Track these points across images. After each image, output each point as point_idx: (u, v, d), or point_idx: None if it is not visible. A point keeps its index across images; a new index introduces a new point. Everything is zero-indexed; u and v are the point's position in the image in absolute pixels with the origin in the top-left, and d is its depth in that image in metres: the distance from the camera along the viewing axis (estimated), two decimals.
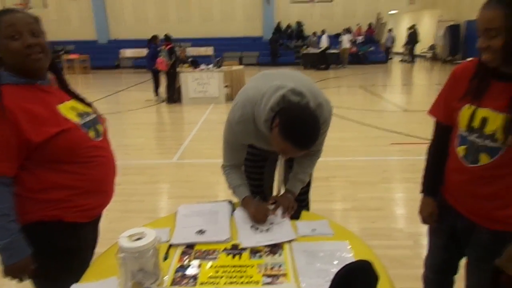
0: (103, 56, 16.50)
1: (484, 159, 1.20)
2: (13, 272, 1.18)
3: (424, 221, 1.50)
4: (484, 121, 1.18)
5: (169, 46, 8.07)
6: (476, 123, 1.20)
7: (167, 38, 8.39)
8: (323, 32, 14.93)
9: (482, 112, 1.19)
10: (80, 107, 1.34)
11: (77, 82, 12.16)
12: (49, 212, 1.23)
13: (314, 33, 15.83)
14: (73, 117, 1.27)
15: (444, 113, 1.36)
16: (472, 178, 1.24)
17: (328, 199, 3.34)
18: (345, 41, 14.95)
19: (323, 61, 14.44)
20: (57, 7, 17.30)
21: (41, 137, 1.16)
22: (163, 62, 7.98)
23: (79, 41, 16.96)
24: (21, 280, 1.21)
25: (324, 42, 14.25)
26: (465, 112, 1.24)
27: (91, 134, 1.31)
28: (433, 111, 1.42)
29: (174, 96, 8.30)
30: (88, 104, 1.40)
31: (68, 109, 1.27)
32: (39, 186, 1.21)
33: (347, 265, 0.89)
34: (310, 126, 1.25)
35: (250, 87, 1.47)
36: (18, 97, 1.15)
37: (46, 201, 1.23)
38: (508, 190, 1.20)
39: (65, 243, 1.29)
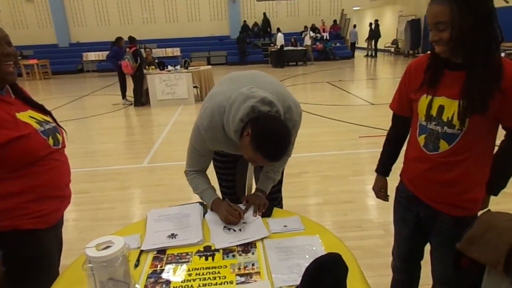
0: (64, 60, 15.89)
1: (443, 146, 1.26)
2: None
3: (377, 195, 1.67)
4: (441, 109, 1.24)
5: (133, 49, 7.86)
6: (434, 111, 1.26)
7: (131, 40, 8.17)
8: (278, 30, 15.13)
9: (438, 101, 1.25)
10: (39, 116, 1.33)
11: (38, 88, 11.63)
12: (2, 222, 1.21)
13: (278, 29, 16.00)
14: (31, 123, 1.26)
15: (398, 105, 1.47)
16: (433, 165, 1.30)
17: (301, 195, 3.38)
18: (306, 39, 15.23)
19: (280, 60, 14.58)
20: (11, 10, 16.45)
21: (1, 139, 1.15)
22: (128, 66, 7.76)
23: (38, 45, 16.23)
24: None
25: (280, 40, 14.42)
26: (422, 102, 1.30)
27: (50, 141, 1.31)
28: (391, 105, 1.53)
29: (141, 99, 8.12)
30: (48, 113, 1.40)
31: (26, 117, 1.26)
32: None
33: (317, 259, 0.90)
34: (282, 138, 1.25)
35: (218, 92, 1.44)
36: None
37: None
38: (467, 175, 1.27)
39: (24, 251, 1.27)
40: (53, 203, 1.34)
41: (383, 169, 1.65)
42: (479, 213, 1.26)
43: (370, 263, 2.33)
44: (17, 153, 1.19)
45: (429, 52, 1.34)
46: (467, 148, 1.24)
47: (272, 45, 15.59)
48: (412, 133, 1.40)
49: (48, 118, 1.36)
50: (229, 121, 1.31)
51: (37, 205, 1.27)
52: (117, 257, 1.02)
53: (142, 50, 9.29)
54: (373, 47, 17.87)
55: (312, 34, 15.48)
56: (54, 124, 1.37)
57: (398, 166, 1.61)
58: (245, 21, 17.44)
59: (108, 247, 1.04)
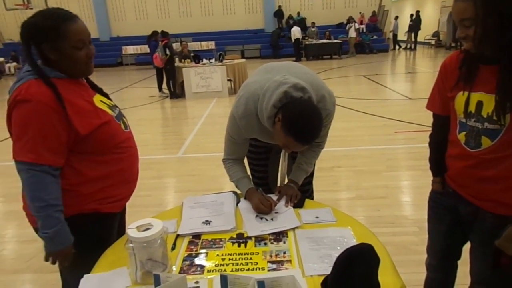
0: (105, 53, 16.55)
1: (486, 143, 1.22)
2: (56, 258, 1.24)
3: (436, 188, 1.52)
4: (479, 104, 1.21)
5: (164, 42, 8.04)
6: (472, 107, 1.23)
7: (164, 34, 8.40)
8: (293, 23, 14.98)
9: (476, 97, 1.22)
10: (107, 100, 1.40)
11: None
12: (87, 205, 1.29)
13: (313, 23, 15.74)
14: (107, 110, 1.33)
15: (439, 105, 1.40)
16: (476, 162, 1.26)
17: (333, 189, 3.36)
18: (351, 31, 14.85)
19: (296, 52, 14.56)
20: (58, 5, 17.24)
21: (87, 129, 1.22)
22: (157, 58, 7.99)
23: None
24: (62, 265, 1.27)
25: (296, 34, 14.39)
26: (459, 99, 1.27)
27: (122, 126, 1.38)
28: (429, 105, 1.46)
29: (176, 91, 8.31)
30: (107, 96, 1.46)
31: (100, 102, 1.33)
32: (78, 179, 1.27)
33: (348, 248, 0.91)
34: (312, 122, 1.27)
35: (252, 82, 1.48)
36: (64, 91, 1.19)
37: (84, 195, 1.28)
38: (511, 172, 1.22)
39: (101, 233, 1.35)
40: (128, 188, 1.42)
41: (438, 171, 1.51)
42: None
43: (403, 260, 2.28)
44: (100, 139, 1.26)
45: (461, 48, 1.30)
46: (509, 143, 1.19)
47: (306, 38, 15.41)
48: (451, 131, 1.36)
49: (113, 102, 1.43)
50: (263, 108, 1.34)
51: (116, 190, 1.34)
52: (156, 239, 1.08)
53: (178, 44, 9.52)
54: (413, 39, 17.17)
55: (357, 26, 15.07)
56: (118, 108, 1.44)
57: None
58: (280, 6, 17.18)
59: (148, 229, 1.10)
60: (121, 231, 1.52)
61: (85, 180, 1.27)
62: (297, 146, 1.31)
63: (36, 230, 1.27)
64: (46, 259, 1.25)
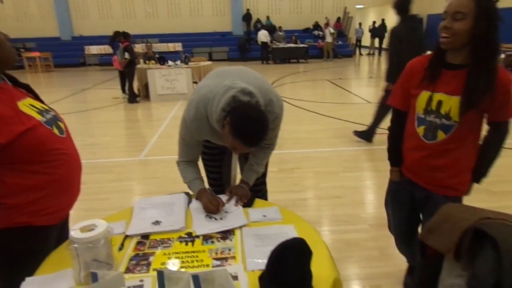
0: (67, 53, 15.95)
1: (440, 136, 1.45)
2: None
3: (394, 178, 1.73)
4: (439, 103, 1.43)
5: (125, 44, 7.79)
6: (433, 105, 1.44)
7: (125, 35, 8.10)
8: (279, 29, 15.71)
9: (437, 96, 1.43)
10: (38, 104, 1.31)
11: (40, 81, 11.72)
12: (17, 218, 1.21)
13: (280, 28, 16.01)
14: (34, 115, 1.24)
15: (401, 101, 1.61)
16: (430, 153, 1.50)
17: (292, 189, 3.45)
18: (327, 35, 15.17)
19: (263, 55, 15.09)
20: (14, 2, 16.50)
21: (7, 137, 1.13)
22: (117, 60, 7.78)
23: (40, 38, 16.30)
24: None
25: (262, 37, 14.94)
26: (422, 97, 1.48)
27: (55, 131, 1.29)
28: (391, 101, 1.67)
29: (133, 95, 8.02)
30: (42, 102, 1.38)
31: (26, 107, 1.24)
32: (5, 191, 1.18)
33: (281, 242, 0.98)
34: (258, 125, 1.33)
35: (203, 86, 1.53)
36: None
37: (14, 207, 1.20)
38: (458, 161, 1.48)
39: (34, 246, 1.26)
40: (66, 198, 1.34)
41: (395, 161, 1.71)
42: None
43: (353, 255, 2.40)
44: (25, 147, 1.17)
45: (428, 53, 1.52)
46: (459, 138, 1.43)
47: (273, 42, 15.62)
48: (409, 125, 1.58)
49: (46, 106, 1.35)
50: (213, 111, 1.39)
51: (51, 201, 1.27)
52: (100, 239, 1.10)
53: (144, 45, 9.35)
54: (375, 45, 17.85)
55: (332, 30, 15.33)
56: (53, 112, 1.35)
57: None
58: (248, 9, 17.32)
59: (91, 229, 1.12)
60: (63, 241, 1.43)
61: (13, 191, 1.19)
62: (244, 148, 1.37)
63: None
64: None
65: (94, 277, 0.89)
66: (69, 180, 1.34)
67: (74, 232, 1.09)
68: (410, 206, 1.69)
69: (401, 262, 2.32)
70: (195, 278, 0.85)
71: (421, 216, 1.74)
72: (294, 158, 4.23)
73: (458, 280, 0.99)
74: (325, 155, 4.39)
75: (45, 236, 1.31)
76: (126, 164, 4.29)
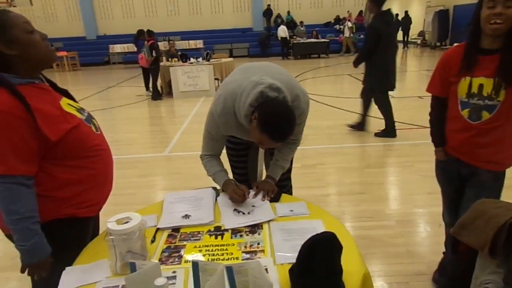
0: (92, 52, 16.41)
1: (485, 116, 1.59)
2: (34, 270, 1.24)
3: (440, 157, 1.88)
4: (481, 86, 1.57)
5: (150, 42, 7.96)
6: (475, 89, 1.58)
7: (150, 33, 8.28)
8: (281, 23, 15.71)
9: (477, 81, 1.57)
10: (74, 103, 1.38)
11: (67, 80, 12.11)
12: (63, 210, 1.29)
13: (301, 23, 15.85)
14: (75, 113, 1.31)
15: (440, 89, 1.74)
16: (477, 132, 1.63)
17: (315, 185, 3.45)
18: (346, 30, 14.99)
19: (284, 51, 15.16)
20: (42, 4, 17.09)
21: (58, 135, 1.20)
22: (143, 58, 7.93)
23: (67, 38, 16.81)
24: (39, 277, 1.26)
25: (281, 33, 14.95)
26: (463, 83, 1.61)
27: (92, 128, 1.37)
28: (431, 89, 1.80)
29: (157, 92, 8.21)
30: (73, 98, 1.43)
31: (67, 106, 1.31)
32: (54, 184, 1.26)
33: (312, 236, 0.99)
34: (286, 120, 1.34)
35: (231, 81, 1.55)
36: (30, 98, 1.17)
37: (61, 199, 1.28)
38: (502, 137, 1.62)
39: (77, 237, 1.35)
40: (103, 191, 1.42)
41: (439, 142, 1.84)
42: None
43: (379, 252, 2.38)
44: (71, 144, 1.24)
45: (457, 44, 1.68)
46: (502, 115, 1.57)
47: (294, 37, 15.52)
48: (452, 109, 1.70)
49: (80, 105, 1.41)
50: (240, 106, 1.41)
51: (91, 194, 1.34)
52: (134, 231, 1.14)
53: (166, 43, 9.50)
54: (399, 39, 17.42)
55: (350, 24, 15.17)
56: (87, 111, 1.42)
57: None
58: (269, 5, 17.28)
59: (127, 222, 1.16)
60: (95, 233, 1.52)
61: (60, 185, 1.27)
62: (271, 143, 1.39)
63: (8, 237, 1.28)
64: (23, 271, 1.24)
65: (132, 267, 0.92)
66: (106, 174, 1.42)
67: (111, 224, 1.14)
68: (459, 180, 1.82)
69: (428, 260, 2.29)
70: (229, 269, 0.87)
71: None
72: (317, 154, 4.22)
73: (493, 277, 0.98)
74: (347, 150, 4.35)
75: (86, 227, 1.40)
76: (150, 160, 4.40)
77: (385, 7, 4.43)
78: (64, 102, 1.31)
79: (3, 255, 2.63)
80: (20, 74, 1.21)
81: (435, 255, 2.30)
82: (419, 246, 2.47)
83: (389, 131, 4.68)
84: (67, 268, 1.18)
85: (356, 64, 4.63)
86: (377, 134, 4.78)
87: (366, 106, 4.83)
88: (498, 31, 1.46)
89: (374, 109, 4.83)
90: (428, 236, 2.58)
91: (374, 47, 4.23)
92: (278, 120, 1.33)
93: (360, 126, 4.99)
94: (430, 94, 1.85)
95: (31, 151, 1.18)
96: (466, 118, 1.64)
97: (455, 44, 1.76)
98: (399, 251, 2.41)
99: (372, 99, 4.68)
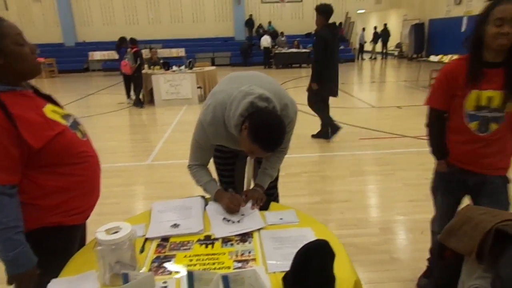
0: (70, 59, 16.07)
1: (493, 127, 1.64)
2: (20, 281, 1.20)
3: (442, 169, 1.89)
4: (489, 99, 1.61)
5: (134, 49, 7.95)
6: (484, 102, 1.62)
7: (132, 41, 8.27)
8: (264, 32, 16.05)
9: (486, 94, 1.61)
10: (59, 110, 1.36)
11: (44, 87, 11.79)
12: (50, 218, 1.26)
13: (282, 33, 16.09)
14: (59, 120, 1.29)
15: (442, 102, 1.76)
16: (485, 143, 1.68)
17: (299, 194, 3.47)
18: None
19: (266, 60, 15.54)
20: (19, 9, 16.67)
21: (40, 142, 1.18)
22: (127, 65, 7.89)
23: (44, 44, 16.40)
24: (27, 287, 1.22)
25: (264, 43, 15.32)
26: (471, 96, 1.64)
27: (78, 134, 1.35)
28: (433, 103, 1.81)
29: (140, 99, 8.17)
30: (58, 104, 1.41)
31: (51, 112, 1.28)
32: (39, 192, 1.23)
33: (305, 244, 0.99)
34: (276, 130, 1.35)
35: (220, 91, 1.55)
36: (12, 105, 1.14)
37: (47, 207, 1.25)
38: (504, 145, 1.69)
39: (64, 245, 1.33)
40: (91, 199, 1.40)
41: (440, 155, 1.87)
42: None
43: (364, 259, 2.41)
44: (56, 151, 1.22)
45: (455, 57, 1.71)
46: (507, 124, 1.64)
47: (276, 47, 15.70)
48: (456, 121, 1.73)
49: (66, 111, 1.39)
50: (230, 116, 1.41)
51: (78, 201, 1.32)
52: (124, 241, 1.12)
53: (147, 50, 9.44)
54: (376, 50, 17.94)
55: None
56: (73, 117, 1.40)
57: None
58: (251, 15, 17.45)
59: (116, 232, 1.14)
60: (82, 242, 1.50)
61: (46, 193, 1.25)
62: (262, 153, 1.40)
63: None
64: (9, 282, 1.20)
65: (125, 278, 0.90)
66: (94, 181, 1.40)
67: (100, 234, 1.11)
68: (462, 190, 1.85)
69: (412, 266, 2.33)
70: (225, 278, 0.87)
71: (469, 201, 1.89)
72: (300, 163, 4.25)
73: (480, 282, 1.01)
74: (330, 159, 4.40)
75: (73, 235, 1.37)
76: (133, 169, 4.32)
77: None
78: (48, 109, 1.29)
79: None
80: (3, 82, 1.19)
81: (418, 261, 2.35)
82: (403, 253, 2.52)
83: (324, 133, 5.13)
84: (53, 280, 1.14)
85: (316, 79, 4.75)
86: (313, 136, 5.21)
87: (322, 112, 5.08)
88: (504, 47, 1.52)
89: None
90: (410, 243, 2.63)
91: (322, 55, 4.59)
92: (269, 130, 1.34)
93: (326, 134, 5.15)
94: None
95: (13, 159, 1.15)
96: (474, 130, 1.67)
97: (454, 57, 1.83)
98: (383, 258, 2.45)
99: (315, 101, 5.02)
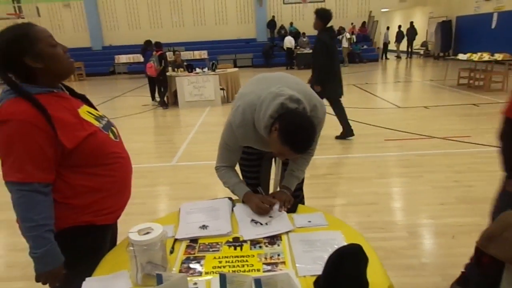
0: (97, 62, 16.56)
1: None
2: (46, 279, 1.24)
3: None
4: None
5: (159, 52, 8.18)
6: None
7: (157, 45, 8.50)
8: (285, 34, 16.06)
9: None
10: (93, 111, 1.40)
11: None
12: (82, 217, 1.29)
13: (304, 34, 15.99)
14: (93, 121, 1.32)
15: None
16: None
17: (325, 195, 3.43)
18: (344, 41, 15.15)
19: (288, 61, 15.52)
20: (50, 15, 17.34)
21: (74, 143, 1.21)
22: (152, 67, 8.09)
23: (73, 48, 16.98)
24: (52, 285, 1.26)
25: (287, 43, 15.34)
26: None
27: (111, 135, 1.37)
28: (509, 113, 1.62)
29: (165, 101, 8.39)
30: (92, 105, 1.45)
31: (85, 114, 1.32)
32: (71, 192, 1.26)
33: (338, 249, 0.98)
34: (307, 132, 1.34)
35: (248, 92, 1.54)
36: (48, 106, 1.18)
37: (79, 207, 1.28)
38: None
39: (95, 244, 1.35)
40: (122, 199, 1.42)
41: None
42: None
43: (392, 264, 2.35)
44: (88, 151, 1.25)
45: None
46: None
47: (298, 47, 15.64)
48: None
49: (100, 113, 1.43)
50: (260, 118, 1.41)
51: (110, 201, 1.35)
52: (156, 242, 1.13)
53: (171, 53, 9.62)
54: (402, 49, 17.54)
55: (348, 36, 15.38)
56: (107, 118, 1.44)
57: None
58: (273, 16, 17.46)
59: (148, 233, 1.15)
60: (113, 241, 1.52)
61: (78, 192, 1.27)
62: (292, 154, 1.38)
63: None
64: (37, 280, 1.23)
65: (159, 279, 0.91)
66: (125, 181, 1.42)
67: (133, 234, 1.13)
68: None
69: (442, 272, 2.26)
70: (257, 282, 0.86)
71: None
72: (326, 164, 4.20)
73: None
74: (357, 161, 4.33)
75: (105, 235, 1.40)
76: (158, 170, 4.39)
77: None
78: (83, 110, 1.33)
79: (14, 265, 2.62)
80: (42, 84, 1.24)
81: (449, 267, 2.27)
82: (433, 258, 2.44)
83: (345, 133, 5.14)
84: (87, 279, 1.17)
85: (318, 81, 4.83)
86: (337, 137, 5.19)
87: (342, 113, 5.13)
88: None
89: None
90: (441, 247, 2.55)
91: (323, 58, 4.70)
92: (299, 131, 1.33)
93: (349, 131, 5.15)
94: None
95: (48, 159, 1.19)
96: None
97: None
98: (412, 263, 2.38)
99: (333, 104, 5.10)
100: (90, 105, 1.43)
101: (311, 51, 15.02)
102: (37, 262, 1.21)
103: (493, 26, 13.09)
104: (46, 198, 1.20)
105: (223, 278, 0.88)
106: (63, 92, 1.33)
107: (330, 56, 4.72)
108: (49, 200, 1.21)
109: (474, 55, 8.53)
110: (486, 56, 8.28)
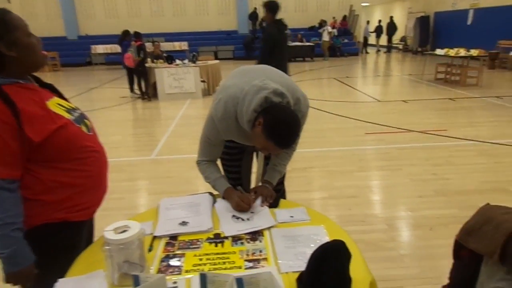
0: (73, 52, 16.02)
1: None
2: (16, 279, 1.18)
3: None
4: None
5: (138, 43, 7.96)
6: None
7: (137, 35, 8.28)
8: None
9: None
10: (65, 103, 1.33)
11: (47, 80, 11.68)
12: (54, 214, 1.24)
13: (286, 26, 15.95)
14: (63, 113, 1.26)
15: None
16: None
17: (306, 189, 3.44)
18: (325, 34, 15.19)
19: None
20: (21, 2, 16.60)
21: (41, 136, 1.15)
22: (131, 58, 7.89)
23: (47, 37, 16.34)
24: (23, 286, 1.21)
25: None
26: None
27: (83, 129, 1.31)
28: None
29: (147, 92, 8.22)
30: (63, 96, 1.39)
31: (55, 106, 1.26)
32: (43, 187, 1.21)
33: (322, 245, 0.96)
34: (292, 127, 1.31)
35: (231, 85, 1.49)
36: (14, 98, 1.12)
37: (51, 203, 1.23)
38: None
39: (69, 242, 1.30)
40: (97, 195, 1.37)
41: None
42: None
43: (373, 256, 2.38)
44: (58, 145, 1.19)
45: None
46: None
47: None
48: None
49: (72, 105, 1.36)
50: (243, 112, 1.37)
51: (84, 197, 1.30)
52: (133, 241, 1.08)
53: (150, 44, 9.39)
54: (379, 43, 17.78)
55: (330, 29, 15.39)
56: (80, 110, 1.37)
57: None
58: (255, 8, 17.31)
59: (125, 231, 1.11)
60: (90, 238, 1.48)
61: (49, 188, 1.22)
62: (276, 149, 1.35)
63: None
64: (7, 281, 1.18)
65: (136, 280, 0.87)
66: (100, 176, 1.37)
67: (108, 233, 1.08)
68: None
69: (420, 263, 2.30)
70: (239, 281, 0.83)
71: None
72: (306, 158, 4.21)
73: (502, 284, 0.97)
74: (337, 154, 4.36)
75: (79, 232, 1.35)
76: (138, 164, 4.30)
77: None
78: (52, 102, 1.26)
79: None
80: (10, 75, 1.17)
81: (427, 258, 2.32)
82: (411, 249, 2.48)
83: None
84: (60, 280, 1.11)
85: None
86: None
87: None
88: None
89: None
90: (419, 239, 2.60)
91: (270, 51, 4.53)
92: (284, 126, 1.30)
93: None
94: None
95: (13, 153, 1.12)
96: None
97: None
98: (391, 255, 2.41)
99: None
100: (60, 96, 1.37)
101: (293, 44, 15.12)
102: (5, 262, 1.15)
103: (469, 22, 13.43)
104: (12, 195, 1.14)
105: (203, 278, 0.85)
106: (31, 83, 1.26)
107: (278, 50, 4.49)
108: (16, 196, 1.15)
109: (451, 50, 8.73)
110: (462, 52, 8.49)
